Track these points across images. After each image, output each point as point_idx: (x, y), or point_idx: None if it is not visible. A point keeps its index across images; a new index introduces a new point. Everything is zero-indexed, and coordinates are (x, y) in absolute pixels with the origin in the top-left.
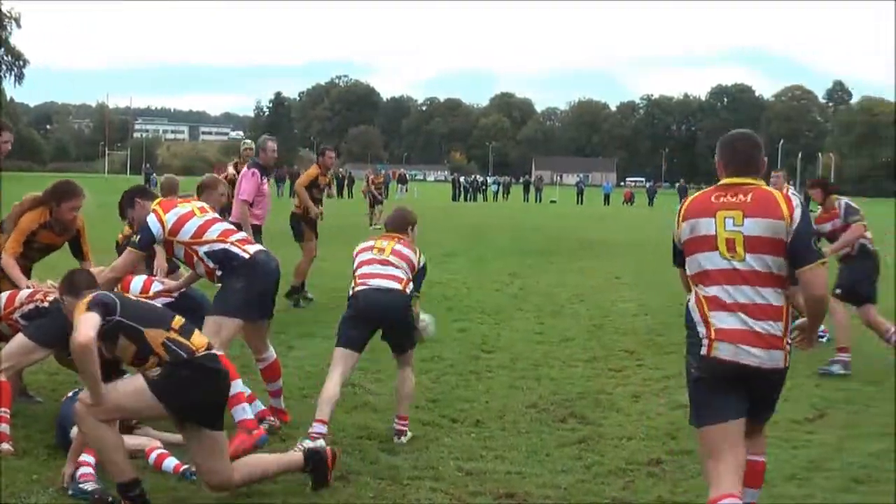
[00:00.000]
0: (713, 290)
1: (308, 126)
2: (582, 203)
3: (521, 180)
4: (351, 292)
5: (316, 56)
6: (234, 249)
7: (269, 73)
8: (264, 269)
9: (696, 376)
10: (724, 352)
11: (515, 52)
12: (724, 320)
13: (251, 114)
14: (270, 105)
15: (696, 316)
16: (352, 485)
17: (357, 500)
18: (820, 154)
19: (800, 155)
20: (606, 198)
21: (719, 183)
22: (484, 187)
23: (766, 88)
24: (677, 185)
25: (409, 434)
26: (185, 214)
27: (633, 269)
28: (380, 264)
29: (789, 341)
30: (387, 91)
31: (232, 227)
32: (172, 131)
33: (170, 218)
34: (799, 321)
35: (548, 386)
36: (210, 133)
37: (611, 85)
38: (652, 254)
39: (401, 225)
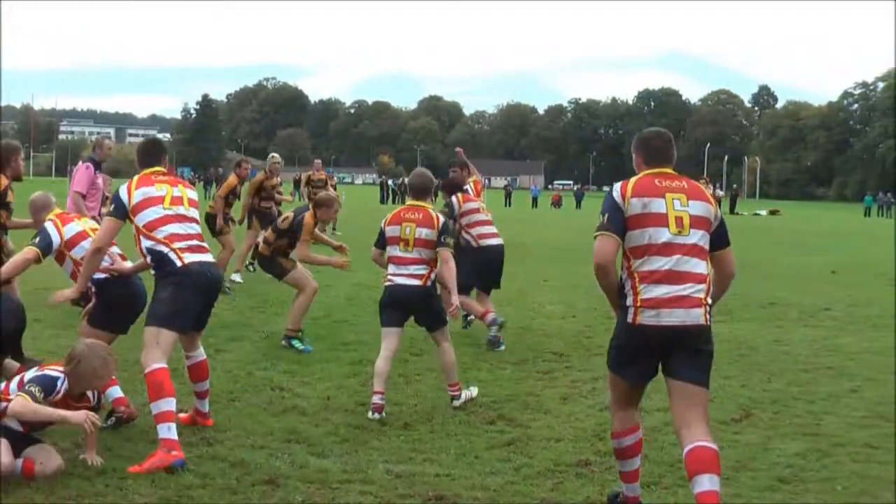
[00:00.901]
0: (650, 263)
1: (236, 128)
2: (510, 206)
3: None
4: (383, 281)
5: (244, 58)
6: (172, 255)
7: (196, 74)
8: (196, 280)
9: (619, 344)
10: (649, 318)
11: (444, 56)
12: (653, 290)
13: (178, 116)
14: (198, 107)
15: (627, 287)
16: (280, 489)
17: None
18: (745, 158)
19: (726, 158)
20: (534, 201)
21: (652, 171)
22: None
23: (693, 93)
24: (607, 188)
25: (463, 396)
26: (153, 198)
27: (560, 271)
28: (405, 264)
29: (709, 302)
30: (315, 94)
31: (185, 232)
32: (98, 133)
33: (136, 196)
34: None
35: (476, 388)
36: (137, 135)
37: (539, 88)
38: (579, 257)
39: (424, 190)
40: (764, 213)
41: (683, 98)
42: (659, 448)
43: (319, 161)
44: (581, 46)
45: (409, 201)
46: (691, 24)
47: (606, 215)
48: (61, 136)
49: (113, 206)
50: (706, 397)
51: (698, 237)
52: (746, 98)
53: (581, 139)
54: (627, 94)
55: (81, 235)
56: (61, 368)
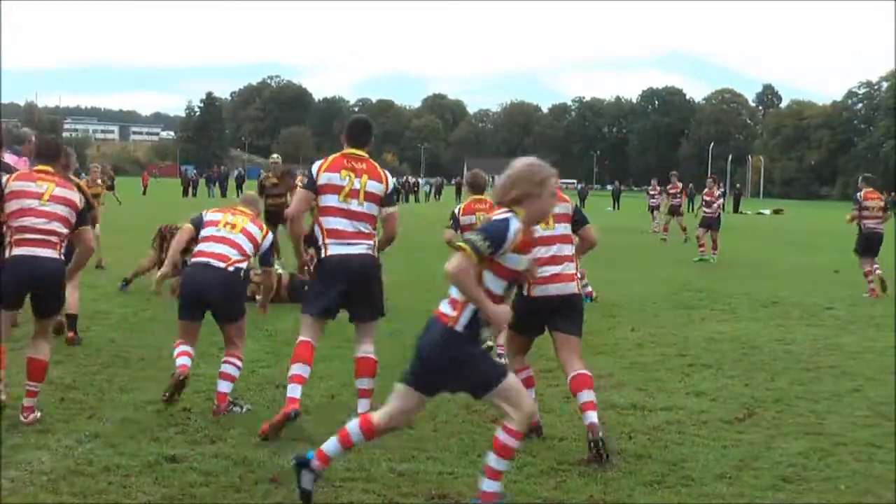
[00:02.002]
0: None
1: (240, 126)
2: None
3: (453, 182)
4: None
5: (248, 56)
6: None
7: (200, 72)
8: (332, 269)
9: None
10: (537, 291)
11: (448, 56)
12: (546, 270)
13: (182, 114)
14: (202, 105)
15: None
16: (283, 487)
17: (289, 502)
18: (749, 157)
19: (729, 157)
20: None
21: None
22: (416, 188)
23: (696, 92)
24: (611, 187)
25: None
26: (334, 186)
27: None
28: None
29: (579, 275)
30: (318, 92)
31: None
32: (102, 131)
33: (321, 179)
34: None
35: None
36: (141, 133)
37: (542, 87)
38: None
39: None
40: (767, 212)
41: (687, 97)
42: (662, 447)
43: (300, 174)
44: (584, 46)
45: (472, 196)
46: (694, 24)
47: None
48: (65, 134)
49: (307, 179)
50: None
51: (564, 228)
52: (750, 97)
53: (585, 138)
54: (631, 94)
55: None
56: None
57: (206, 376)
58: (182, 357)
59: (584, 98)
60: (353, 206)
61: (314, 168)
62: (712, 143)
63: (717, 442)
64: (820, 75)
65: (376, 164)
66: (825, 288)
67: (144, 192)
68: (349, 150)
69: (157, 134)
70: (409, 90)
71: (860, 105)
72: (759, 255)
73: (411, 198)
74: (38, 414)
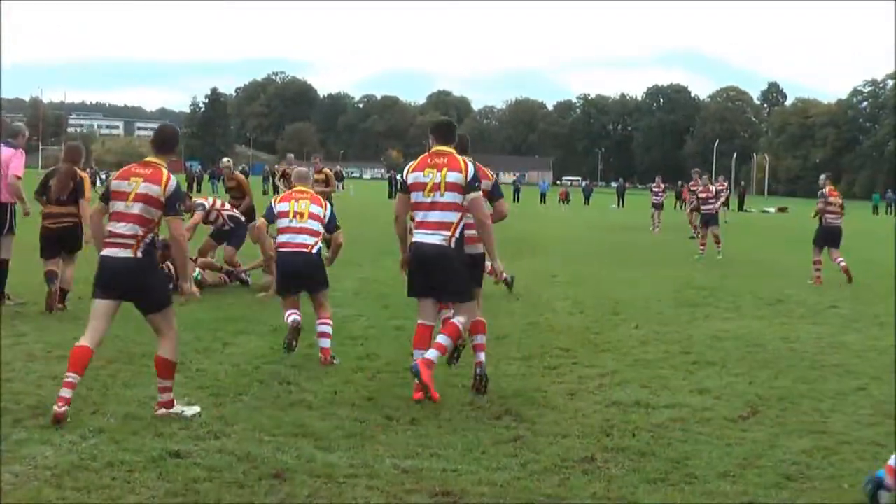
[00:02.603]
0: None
1: (244, 122)
2: (518, 201)
3: None
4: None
5: (253, 52)
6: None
7: (205, 68)
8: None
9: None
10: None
11: (452, 53)
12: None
13: (187, 109)
14: (206, 101)
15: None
16: (287, 483)
17: (293, 498)
18: (754, 154)
19: (734, 155)
20: (543, 196)
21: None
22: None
23: (701, 89)
24: (616, 184)
25: None
26: (420, 184)
27: (568, 267)
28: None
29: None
30: (324, 88)
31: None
32: (107, 126)
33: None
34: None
35: None
36: (145, 128)
37: (547, 85)
38: (587, 252)
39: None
40: (772, 210)
41: (692, 95)
42: (666, 444)
43: (292, 155)
44: (589, 44)
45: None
46: (699, 22)
47: None
48: (70, 130)
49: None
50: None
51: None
52: (755, 95)
53: (589, 135)
54: (636, 91)
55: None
56: None
57: (207, 372)
58: (293, 315)
59: (588, 95)
60: (437, 198)
61: (405, 170)
62: (717, 141)
63: (720, 440)
64: (825, 73)
65: (458, 156)
66: (829, 286)
67: None
68: (435, 148)
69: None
70: (414, 87)
71: (865, 103)
72: (763, 254)
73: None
74: (178, 410)
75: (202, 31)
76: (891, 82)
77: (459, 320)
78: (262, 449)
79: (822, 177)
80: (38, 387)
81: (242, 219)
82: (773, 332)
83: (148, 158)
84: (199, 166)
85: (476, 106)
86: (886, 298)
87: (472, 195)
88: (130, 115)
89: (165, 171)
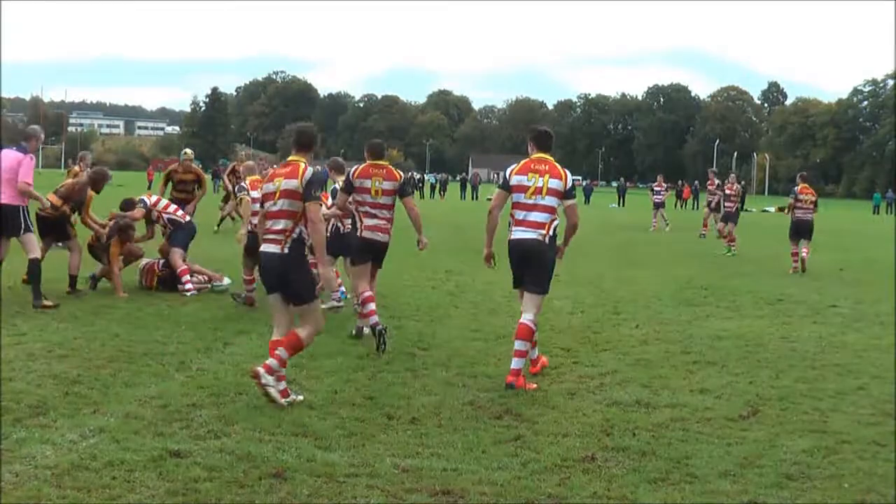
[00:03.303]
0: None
1: (245, 122)
2: None
3: (458, 178)
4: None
5: (253, 51)
6: None
7: (205, 67)
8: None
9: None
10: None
11: (454, 51)
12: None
13: (188, 109)
14: (207, 100)
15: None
16: (287, 482)
17: (293, 498)
18: (755, 154)
19: (735, 155)
20: None
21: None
22: (421, 184)
23: (702, 89)
24: (616, 183)
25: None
26: (522, 186)
27: (568, 267)
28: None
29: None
30: (324, 88)
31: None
32: (108, 125)
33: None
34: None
35: (484, 383)
36: (146, 128)
37: (547, 84)
38: (587, 251)
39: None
40: (772, 209)
41: (693, 94)
42: (666, 444)
43: (243, 153)
44: (589, 42)
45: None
46: (701, 20)
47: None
48: (70, 129)
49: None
50: None
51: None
52: (756, 94)
53: (590, 134)
54: (637, 90)
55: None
56: None
57: (208, 371)
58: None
59: (589, 95)
60: (538, 200)
61: (507, 171)
62: (717, 141)
63: (721, 439)
64: (829, 72)
65: (557, 165)
66: (830, 286)
67: (150, 187)
68: (537, 155)
69: (163, 129)
70: (414, 85)
71: (865, 103)
72: (763, 253)
73: (416, 194)
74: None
75: (203, 30)
76: (891, 82)
77: (530, 318)
78: (263, 448)
79: (798, 175)
80: (38, 386)
81: (184, 220)
82: (774, 332)
83: (289, 158)
84: (199, 165)
85: (476, 105)
86: (887, 298)
87: (569, 202)
88: (131, 114)
89: (303, 165)
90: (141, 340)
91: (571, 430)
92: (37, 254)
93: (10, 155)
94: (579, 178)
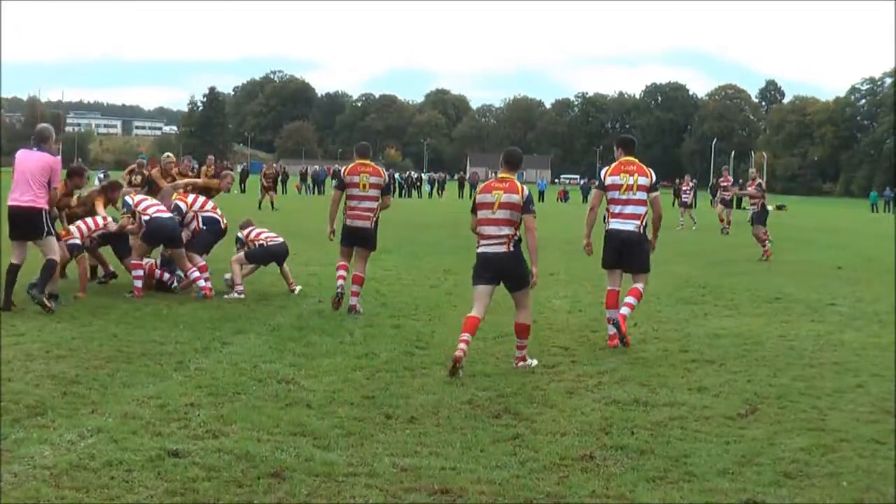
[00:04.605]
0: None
1: (242, 121)
2: None
3: (455, 177)
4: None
5: (251, 52)
6: None
7: (203, 67)
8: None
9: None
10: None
11: (452, 51)
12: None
13: (185, 108)
14: (204, 100)
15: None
16: (286, 482)
17: (292, 497)
18: (752, 152)
19: (732, 153)
20: (541, 195)
21: (622, 159)
22: (419, 184)
23: (700, 87)
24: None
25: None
26: None
27: (566, 265)
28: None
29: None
30: (322, 87)
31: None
32: (105, 125)
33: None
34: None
35: (482, 382)
36: (143, 128)
37: (546, 83)
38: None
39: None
40: (770, 208)
41: (690, 93)
42: (665, 442)
43: (169, 154)
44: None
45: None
46: (699, 19)
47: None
48: (68, 129)
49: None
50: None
51: (642, 195)
52: (753, 93)
53: (588, 133)
54: (635, 89)
55: None
56: None
57: (207, 371)
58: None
59: (587, 93)
60: (630, 196)
61: (601, 174)
62: (715, 139)
63: (719, 438)
64: (823, 71)
65: (643, 165)
66: (828, 284)
67: None
68: (625, 158)
69: (160, 129)
70: (412, 85)
71: (863, 101)
72: (761, 251)
73: (414, 193)
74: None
75: (201, 30)
76: (889, 80)
77: (640, 286)
78: (261, 448)
79: (752, 169)
80: (36, 386)
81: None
82: (772, 330)
83: (502, 175)
84: (197, 166)
85: (474, 104)
86: (886, 296)
87: (654, 195)
88: (128, 114)
89: (518, 184)
90: (139, 340)
91: (570, 429)
92: (56, 256)
93: (34, 156)
94: (576, 177)
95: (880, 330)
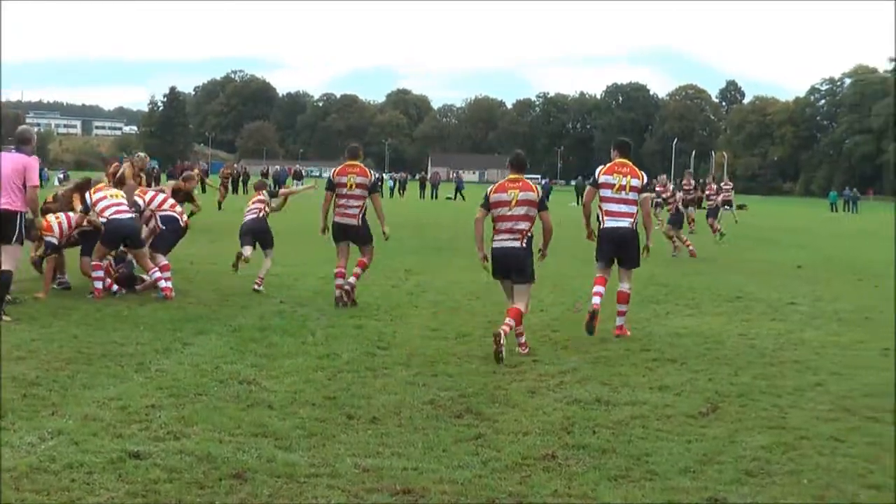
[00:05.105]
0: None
1: (203, 121)
2: (441, 199)
3: (417, 177)
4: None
5: (214, 51)
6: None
7: (166, 67)
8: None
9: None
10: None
11: (415, 51)
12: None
13: (145, 108)
14: (165, 99)
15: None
16: (248, 483)
17: (254, 498)
18: (713, 152)
19: (693, 153)
20: None
21: (616, 160)
22: (380, 184)
23: (661, 87)
24: (574, 182)
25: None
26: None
27: None
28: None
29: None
30: (284, 87)
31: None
32: (65, 125)
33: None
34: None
35: (444, 382)
36: (103, 127)
37: (508, 83)
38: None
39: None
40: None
41: (651, 93)
42: (626, 441)
43: (121, 157)
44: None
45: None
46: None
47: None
48: None
49: (591, 178)
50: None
51: (633, 195)
52: (714, 93)
53: (549, 133)
54: (596, 89)
55: None
56: None
57: (168, 372)
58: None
59: (548, 94)
60: (623, 195)
61: (597, 172)
62: (676, 139)
63: (681, 436)
64: (783, 71)
65: (635, 167)
66: (789, 283)
67: None
68: (619, 160)
69: (121, 129)
70: (374, 85)
71: (822, 101)
72: (722, 251)
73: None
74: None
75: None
76: (848, 80)
77: (626, 287)
78: (223, 449)
79: (663, 176)
80: None
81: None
82: (733, 329)
83: (512, 175)
84: (157, 165)
85: (435, 104)
86: (845, 295)
87: (644, 195)
88: (88, 114)
89: (531, 183)
90: (99, 342)
91: (532, 429)
92: (13, 268)
93: (12, 158)
94: (538, 176)
95: (840, 328)
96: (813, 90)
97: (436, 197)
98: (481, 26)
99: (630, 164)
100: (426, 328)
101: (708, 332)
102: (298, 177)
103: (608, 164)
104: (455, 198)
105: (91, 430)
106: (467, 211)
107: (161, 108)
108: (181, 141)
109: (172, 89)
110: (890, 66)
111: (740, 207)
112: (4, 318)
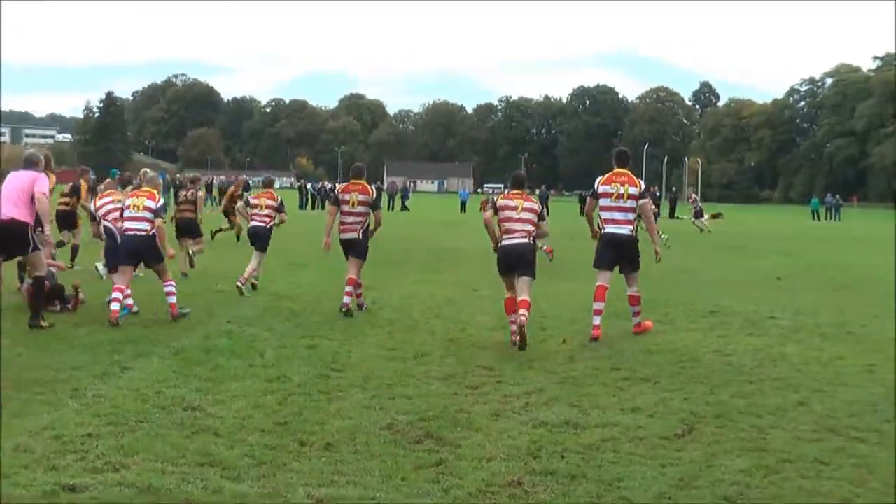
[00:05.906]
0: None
1: (142, 128)
2: (391, 209)
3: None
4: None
5: (154, 54)
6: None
7: (101, 71)
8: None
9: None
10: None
11: (370, 55)
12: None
13: (80, 115)
14: (101, 105)
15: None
16: None
17: None
18: (686, 158)
19: (665, 159)
20: (463, 205)
21: (615, 170)
22: (332, 194)
23: (631, 90)
24: (538, 191)
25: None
26: None
27: (490, 280)
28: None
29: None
30: (230, 92)
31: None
32: None
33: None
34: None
35: (403, 405)
36: (34, 136)
37: (469, 87)
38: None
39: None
40: (706, 216)
41: (620, 96)
42: (597, 466)
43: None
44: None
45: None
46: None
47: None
48: None
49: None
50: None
51: (631, 203)
52: (687, 95)
53: (512, 140)
54: (561, 93)
55: None
56: None
57: (105, 397)
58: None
59: (510, 98)
60: (622, 203)
61: (596, 183)
62: (647, 144)
63: (654, 460)
64: (759, 72)
65: (633, 176)
66: (767, 296)
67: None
68: (617, 170)
69: (53, 136)
70: (325, 90)
71: (802, 103)
72: (697, 262)
73: (327, 204)
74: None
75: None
76: (829, 80)
77: (634, 290)
78: (166, 480)
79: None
80: None
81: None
82: (709, 345)
83: (512, 192)
84: (94, 176)
85: (391, 110)
86: (828, 308)
87: (642, 202)
88: (18, 120)
89: (532, 197)
90: (31, 365)
91: (496, 454)
92: (44, 272)
93: (21, 175)
94: (501, 185)
95: (822, 343)
96: (792, 91)
97: (392, 208)
98: (439, 28)
99: (628, 172)
100: (383, 348)
101: (682, 349)
102: (246, 188)
103: (606, 175)
104: (402, 208)
105: (22, 463)
106: (420, 222)
107: (97, 115)
108: (119, 149)
109: (109, 94)
110: (874, 65)
111: (715, 216)
112: (44, 323)
